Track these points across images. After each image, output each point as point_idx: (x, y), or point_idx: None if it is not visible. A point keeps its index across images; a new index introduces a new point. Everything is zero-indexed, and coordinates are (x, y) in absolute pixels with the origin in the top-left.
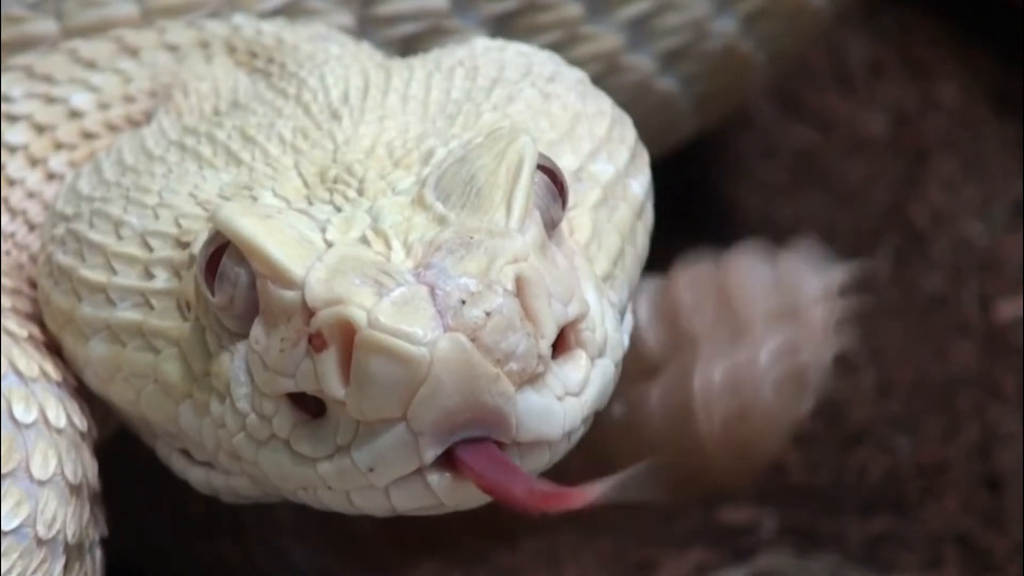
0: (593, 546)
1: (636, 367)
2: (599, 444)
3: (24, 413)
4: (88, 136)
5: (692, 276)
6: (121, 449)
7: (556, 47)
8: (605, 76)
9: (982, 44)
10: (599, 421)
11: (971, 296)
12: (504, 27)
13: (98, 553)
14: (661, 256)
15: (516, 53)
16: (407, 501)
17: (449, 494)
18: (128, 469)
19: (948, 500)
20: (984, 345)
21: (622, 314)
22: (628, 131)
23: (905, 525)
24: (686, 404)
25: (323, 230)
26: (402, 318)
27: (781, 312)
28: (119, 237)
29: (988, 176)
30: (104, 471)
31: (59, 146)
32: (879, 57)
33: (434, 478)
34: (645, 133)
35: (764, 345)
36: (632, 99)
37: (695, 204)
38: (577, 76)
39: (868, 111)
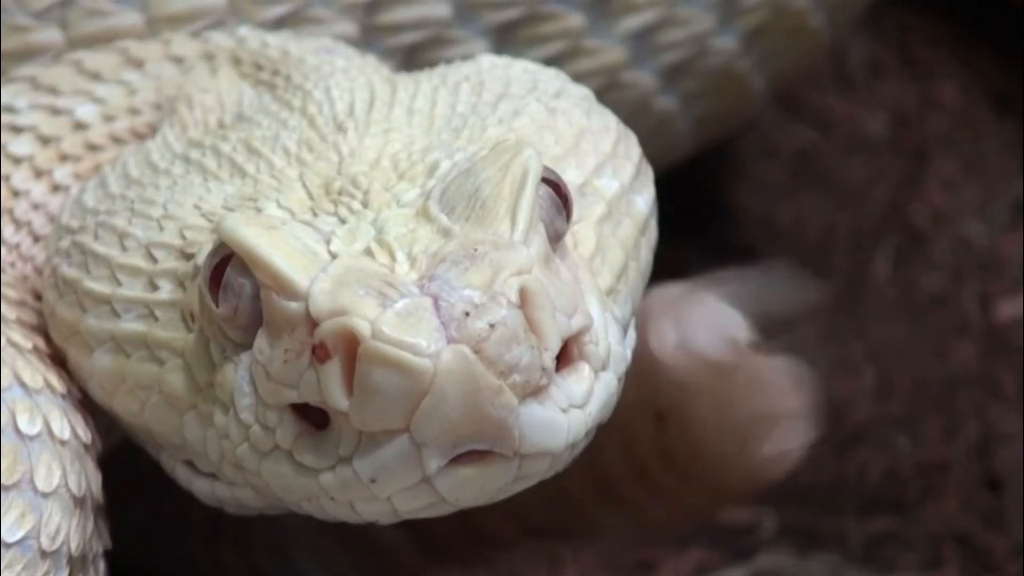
0: (593, 546)
1: None
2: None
3: (28, 425)
4: (93, 148)
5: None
6: (125, 457)
7: (558, 60)
8: (606, 92)
9: (982, 44)
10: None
11: (971, 296)
12: (506, 37)
13: (101, 565)
14: (661, 255)
15: (522, 70)
16: (410, 505)
17: (452, 492)
18: (132, 476)
19: (948, 500)
20: (984, 345)
21: (625, 328)
22: (633, 148)
23: (905, 525)
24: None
25: (327, 241)
26: (406, 329)
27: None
28: (124, 249)
29: (988, 176)
30: (108, 479)
31: (64, 158)
32: (879, 57)
33: (439, 482)
34: (643, 152)
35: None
36: (631, 118)
37: (695, 204)
38: (583, 93)
39: (868, 111)
